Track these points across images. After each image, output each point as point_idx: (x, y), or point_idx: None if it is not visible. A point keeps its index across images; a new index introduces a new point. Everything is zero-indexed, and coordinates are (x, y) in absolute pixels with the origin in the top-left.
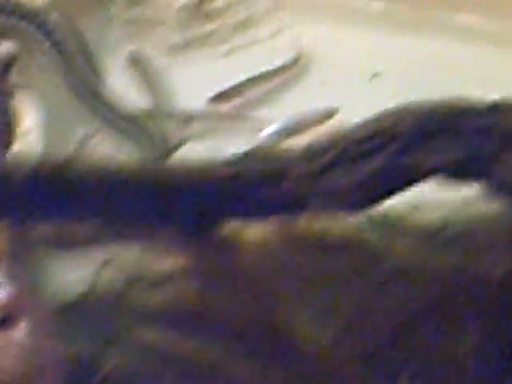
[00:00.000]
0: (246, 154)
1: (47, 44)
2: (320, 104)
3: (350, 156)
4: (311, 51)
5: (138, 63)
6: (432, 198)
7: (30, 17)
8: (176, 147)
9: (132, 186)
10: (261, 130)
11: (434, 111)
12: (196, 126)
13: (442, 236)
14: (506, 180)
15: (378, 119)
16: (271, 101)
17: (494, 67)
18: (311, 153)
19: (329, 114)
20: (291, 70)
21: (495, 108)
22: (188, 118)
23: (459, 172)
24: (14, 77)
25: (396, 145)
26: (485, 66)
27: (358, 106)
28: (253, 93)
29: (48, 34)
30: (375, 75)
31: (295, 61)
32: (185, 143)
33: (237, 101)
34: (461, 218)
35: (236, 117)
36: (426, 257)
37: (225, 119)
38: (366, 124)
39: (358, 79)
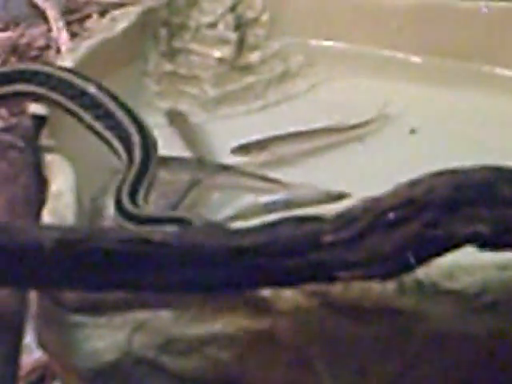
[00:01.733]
0: (275, 222)
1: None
2: (359, 161)
3: (382, 224)
4: (348, 106)
5: (177, 119)
6: (468, 263)
7: (61, 87)
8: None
9: (161, 255)
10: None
11: (468, 179)
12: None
13: (479, 302)
14: None
15: (411, 187)
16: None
17: None
18: (342, 221)
19: (338, 197)
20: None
21: None
22: (214, 169)
23: (494, 242)
24: (44, 139)
25: (429, 214)
26: None
27: (396, 162)
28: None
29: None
30: (413, 131)
31: (366, 123)
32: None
33: (264, 156)
34: (499, 283)
35: (250, 174)
36: (463, 323)
37: (241, 175)
38: (398, 191)
39: (396, 135)
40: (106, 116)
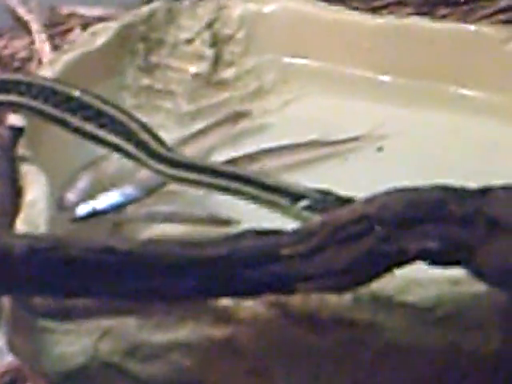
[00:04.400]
0: (236, 234)
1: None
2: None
3: (337, 239)
4: (318, 122)
5: None
6: (422, 277)
7: (44, 95)
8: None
9: (127, 264)
10: None
11: (420, 197)
12: None
13: (432, 315)
14: (487, 268)
15: (365, 203)
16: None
17: (497, 140)
18: (300, 234)
19: (225, 222)
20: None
21: (481, 194)
22: None
23: (443, 259)
24: (20, 150)
25: (381, 230)
26: (489, 138)
27: (363, 179)
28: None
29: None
30: (380, 149)
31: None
32: None
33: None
34: (451, 297)
35: None
36: (416, 336)
37: None
38: (353, 208)
39: (364, 152)
40: (96, 116)
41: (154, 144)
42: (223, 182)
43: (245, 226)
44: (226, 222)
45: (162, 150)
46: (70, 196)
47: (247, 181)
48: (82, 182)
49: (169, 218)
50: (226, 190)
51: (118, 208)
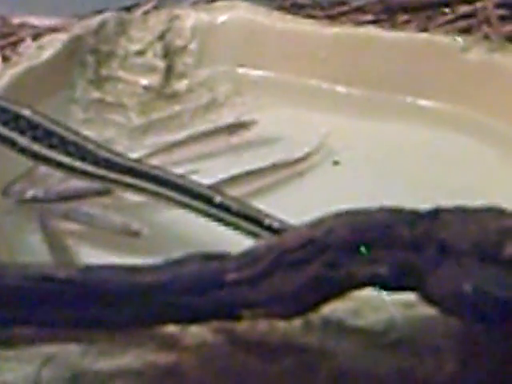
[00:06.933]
0: (180, 259)
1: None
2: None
3: (284, 264)
4: (274, 136)
5: None
6: (374, 301)
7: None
8: None
9: (66, 291)
10: None
11: (367, 221)
12: None
13: (384, 339)
14: (438, 294)
15: (311, 227)
16: None
17: (455, 150)
18: (246, 259)
19: (134, 233)
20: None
21: (431, 216)
22: None
23: (393, 284)
24: None
25: (328, 255)
26: (448, 150)
27: (321, 196)
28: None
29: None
30: (336, 163)
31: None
32: None
33: None
34: (404, 321)
35: None
36: (367, 360)
37: None
38: (299, 232)
39: (321, 167)
40: (45, 136)
41: (120, 159)
42: (194, 203)
43: (154, 240)
44: (136, 234)
45: (134, 164)
46: (18, 186)
47: (217, 205)
48: (32, 176)
49: (86, 221)
50: (196, 210)
51: (60, 200)
